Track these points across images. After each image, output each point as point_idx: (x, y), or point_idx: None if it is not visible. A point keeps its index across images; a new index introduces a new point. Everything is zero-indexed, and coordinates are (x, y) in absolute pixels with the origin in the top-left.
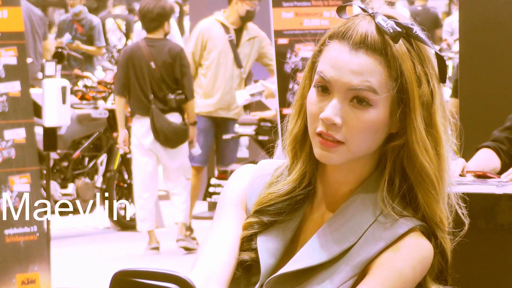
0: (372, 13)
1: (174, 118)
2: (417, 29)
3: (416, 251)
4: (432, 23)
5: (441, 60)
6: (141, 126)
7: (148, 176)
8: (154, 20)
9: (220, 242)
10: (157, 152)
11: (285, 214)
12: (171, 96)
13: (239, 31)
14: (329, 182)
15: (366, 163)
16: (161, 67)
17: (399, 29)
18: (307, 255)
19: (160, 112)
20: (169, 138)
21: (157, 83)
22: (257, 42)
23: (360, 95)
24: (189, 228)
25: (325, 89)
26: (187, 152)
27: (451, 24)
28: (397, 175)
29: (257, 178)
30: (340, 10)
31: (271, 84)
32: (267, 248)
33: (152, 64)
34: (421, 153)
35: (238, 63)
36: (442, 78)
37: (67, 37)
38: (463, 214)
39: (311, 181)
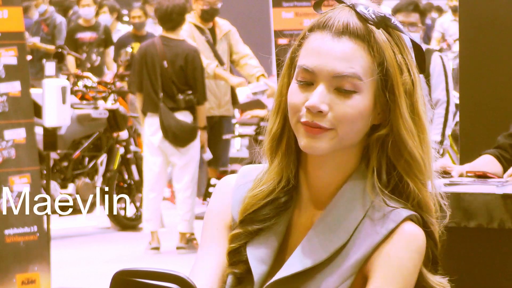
0: (351, 4)
1: (184, 116)
2: (395, 20)
3: (411, 241)
4: None
5: (418, 50)
6: (151, 125)
7: (155, 176)
8: (173, 20)
9: (204, 272)
10: (166, 150)
11: (270, 219)
12: (181, 97)
13: (212, 30)
14: (314, 182)
15: (350, 158)
16: (173, 68)
17: (381, 15)
18: (301, 257)
19: (169, 110)
20: (177, 136)
21: (167, 82)
22: (229, 36)
23: (345, 82)
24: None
25: (308, 83)
26: (198, 154)
27: (442, 25)
28: (383, 166)
29: (239, 188)
30: (317, 5)
31: (274, 83)
32: (257, 256)
33: (165, 63)
34: (409, 138)
35: (219, 60)
36: (421, 68)
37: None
38: (445, 204)
39: (289, 179)
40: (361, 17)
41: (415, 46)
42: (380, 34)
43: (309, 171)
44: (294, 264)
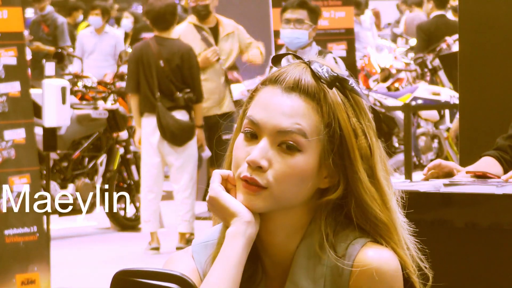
0: (308, 61)
1: (181, 115)
2: (352, 82)
3: (377, 268)
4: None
5: (376, 115)
6: (149, 125)
7: (153, 177)
8: (167, 20)
9: None
10: (163, 150)
11: None
12: (179, 95)
13: (215, 29)
14: (271, 251)
15: (299, 221)
16: (169, 67)
17: (335, 74)
18: None
19: (167, 109)
20: (176, 135)
21: (164, 81)
22: (236, 36)
23: (289, 139)
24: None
25: (253, 135)
26: (195, 154)
27: None
28: (334, 227)
29: (199, 253)
30: (275, 61)
31: None
32: None
33: (161, 63)
34: (371, 203)
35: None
36: (379, 132)
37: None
38: (425, 267)
39: None
40: (314, 74)
41: (373, 110)
42: (333, 95)
43: (263, 239)
44: None
